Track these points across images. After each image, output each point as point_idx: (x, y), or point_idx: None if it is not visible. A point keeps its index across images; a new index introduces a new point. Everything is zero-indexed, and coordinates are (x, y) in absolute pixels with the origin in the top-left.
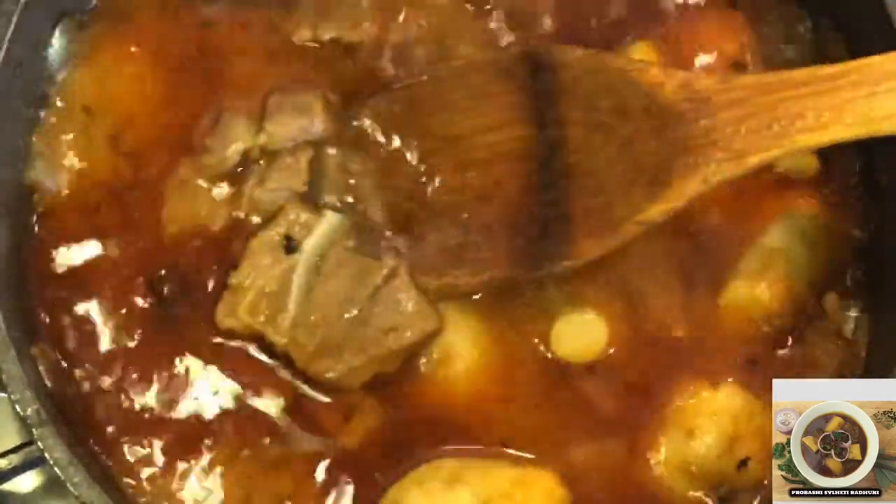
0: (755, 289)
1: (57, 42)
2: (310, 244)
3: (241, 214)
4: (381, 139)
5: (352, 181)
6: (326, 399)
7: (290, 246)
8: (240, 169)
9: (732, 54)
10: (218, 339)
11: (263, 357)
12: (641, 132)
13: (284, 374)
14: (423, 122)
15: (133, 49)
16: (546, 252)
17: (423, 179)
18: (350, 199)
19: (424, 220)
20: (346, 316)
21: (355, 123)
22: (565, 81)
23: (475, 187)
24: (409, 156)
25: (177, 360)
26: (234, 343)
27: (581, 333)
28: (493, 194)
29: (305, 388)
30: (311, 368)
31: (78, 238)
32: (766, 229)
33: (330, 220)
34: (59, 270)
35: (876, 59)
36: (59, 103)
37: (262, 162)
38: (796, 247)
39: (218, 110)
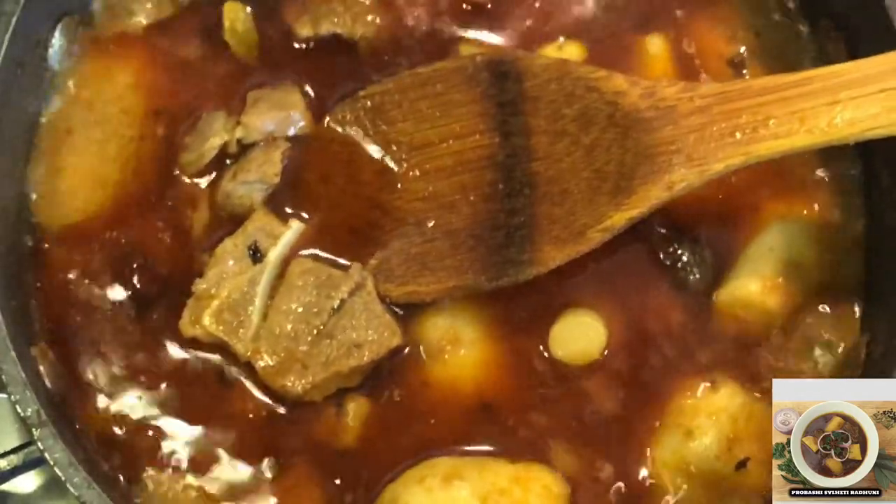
0: (754, 288)
1: (57, 42)
2: (275, 253)
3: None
4: (348, 146)
5: (319, 187)
6: (286, 412)
7: (255, 255)
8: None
9: (730, 53)
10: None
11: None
12: (605, 140)
13: (247, 385)
14: (389, 130)
15: (132, 49)
16: (510, 260)
17: (389, 187)
18: (316, 207)
19: (389, 227)
20: (311, 329)
21: (325, 128)
22: (530, 90)
23: (440, 195)
24: (374, 163)
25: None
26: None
27: (579, 335)
28: (458, 202)
29: (266, 400)
30: (276, 382)
31: (76, 236)
32: (764, 228)
33: (296, 229)
34: (58, 269)
35: (838, 67)
36: (59, 103)
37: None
38: (795, 246)
39: (202, 109)
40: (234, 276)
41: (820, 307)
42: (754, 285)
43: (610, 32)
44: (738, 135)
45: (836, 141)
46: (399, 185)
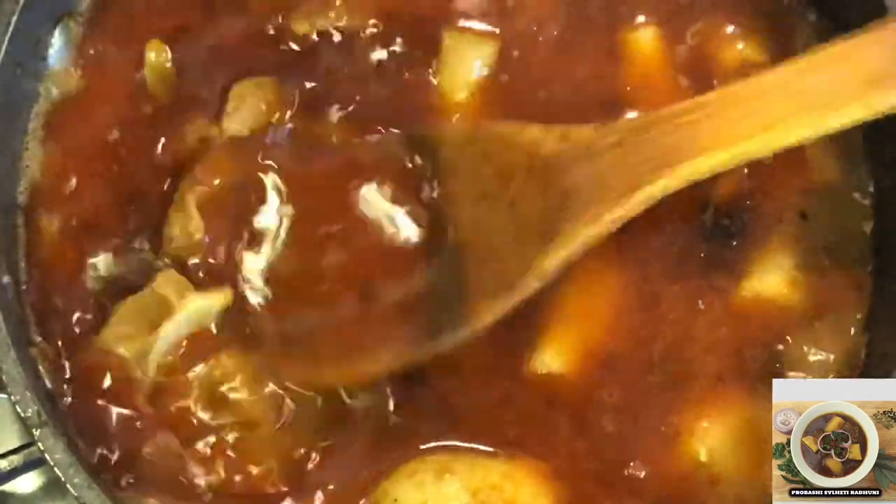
0: (774, 284)
1: (57, 42)
2: (169, 328)
3: None
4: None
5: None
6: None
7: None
8: None
9: (727, 50)
10: None
11: None
12: (527, 191)
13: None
14: (314, 201)
15: (132, 48)
16: (444, 323)
17: (309, 258)
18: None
19: (313, 301)
20: None
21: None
22: (446, 159)
23: (365, 268)
24: (295, 234)
25: None
26: None
27: (575, 343)
28: (383, 277)
29: None
30: None
31: (73, 232)
32: (775, 224)
33: (198, 298)
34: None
35: (738, 86)
36: (58, 102)
37: None
38: (810, 247)
39: (187, 104)
40: (130, 339)
41: (827, 301)
42: (774, 282)
43: (603, 26)
44: (653, 161)
45: (752, 155)
46: (314, 264)
